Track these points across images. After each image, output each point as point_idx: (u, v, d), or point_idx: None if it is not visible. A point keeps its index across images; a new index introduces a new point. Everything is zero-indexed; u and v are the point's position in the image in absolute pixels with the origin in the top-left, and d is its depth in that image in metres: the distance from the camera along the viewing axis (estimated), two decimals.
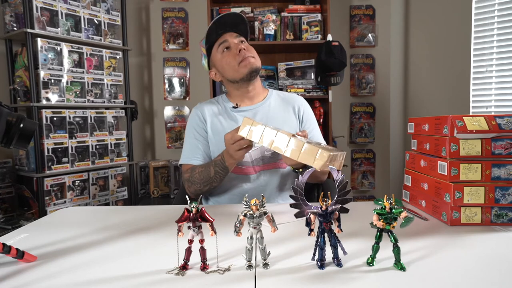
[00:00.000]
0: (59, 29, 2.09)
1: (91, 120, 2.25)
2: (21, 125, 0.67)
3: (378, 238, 0.64)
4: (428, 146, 0.98)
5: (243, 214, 0.64)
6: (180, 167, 1.36)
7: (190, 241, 0.65)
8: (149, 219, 0.99)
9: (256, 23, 2.52)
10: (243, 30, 1.35)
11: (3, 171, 2.14)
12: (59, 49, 2.08)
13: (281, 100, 1.39)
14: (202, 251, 0.65)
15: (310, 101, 1.89)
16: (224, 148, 1.16)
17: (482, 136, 0.86)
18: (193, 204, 0.63)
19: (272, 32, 2.46)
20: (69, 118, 2.14)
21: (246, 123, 1.00)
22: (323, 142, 1.37)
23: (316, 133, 1.38)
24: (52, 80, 2.05)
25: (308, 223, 0.64)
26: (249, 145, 1.07)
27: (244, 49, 1.28)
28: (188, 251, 0.65)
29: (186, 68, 2.85)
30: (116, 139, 2.40)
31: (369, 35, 2.82)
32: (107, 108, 2.36)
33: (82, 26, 2.20)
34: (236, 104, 1.33)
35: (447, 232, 0.84)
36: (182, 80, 2.86)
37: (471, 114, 2.04)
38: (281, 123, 1.31)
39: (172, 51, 2.84)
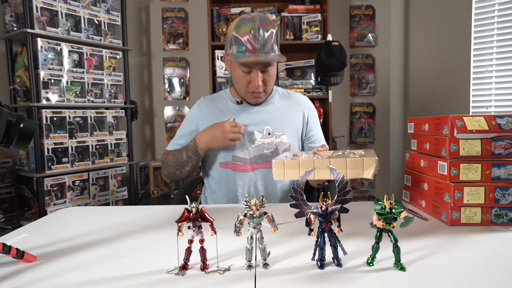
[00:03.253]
0: (59, 29, 2.08)
1: (91, 120, 2.25)
2: (21, 125, 0.67)
3: (378, 238, 0.64)
4: (428, 146, 0.98)
5: (243, 214, 0.64)
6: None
7: (190, 241, 0.65)
8: (149, 219, 0.99)
9: None
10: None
11: (3, 171, 2.13)
12: (59, 49, 2.08)
13: (287, 99, 1.39)
14: (202, 251, 0.65)
15: (310, 101, 1.88)
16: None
17: (482, 136, 0.86)
18: (193, 204, 0.63)
19: None
20: (69, 118, 2.14)
21: (278, 167, 0.93)
22: (324, 143, 1.38)
23: (319, 134, 1.40)
24: (52, 80, 2.04)
25: (308, 223, 0.64)
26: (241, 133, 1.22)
27: (261, 85, 1.22)
28: (188, 251, 0.65)
29: (186, 68, 2.85)
30: (116, 139, 2.40)
31: (369, 35, 2.82)
32: (107, 108, 2.36)
33: (82, 26, 2.20)
34: (241, 101, 1.33)
35: (447, 232, 0.84)
36: (182, 80, 2.86)
37: (471, 114, 2.04)
38: (285, 123, 1.32)
39: (172, 51, 2.84)
